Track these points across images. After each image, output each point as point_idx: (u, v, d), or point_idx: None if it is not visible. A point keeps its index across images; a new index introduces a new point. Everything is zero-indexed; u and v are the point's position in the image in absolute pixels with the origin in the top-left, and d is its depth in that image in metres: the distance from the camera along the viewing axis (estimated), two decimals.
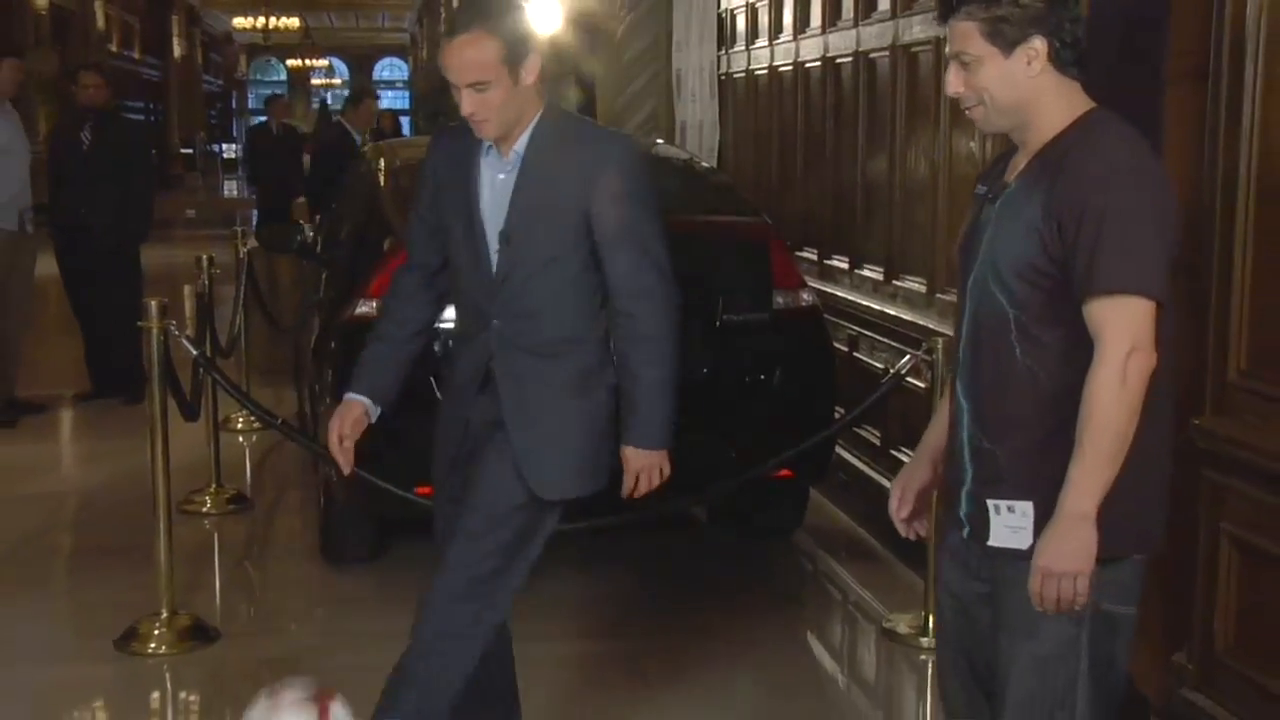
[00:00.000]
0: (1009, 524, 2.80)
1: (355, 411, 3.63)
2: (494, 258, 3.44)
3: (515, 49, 3.27)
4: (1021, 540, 2.78)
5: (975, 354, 2.87)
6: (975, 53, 2.78)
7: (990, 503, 2.82)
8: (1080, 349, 2.70)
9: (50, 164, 9.33)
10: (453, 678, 3.50)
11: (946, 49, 2.86)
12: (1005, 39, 2.76)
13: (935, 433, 3.10)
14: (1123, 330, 2.65)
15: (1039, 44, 2.75)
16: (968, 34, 2.79)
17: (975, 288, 2.85)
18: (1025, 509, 2.78)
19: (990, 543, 2.83)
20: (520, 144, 3.40)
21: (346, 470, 3.64)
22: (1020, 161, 2.84)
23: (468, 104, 3.29)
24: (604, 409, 3.53)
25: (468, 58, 3.25)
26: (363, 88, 11.61)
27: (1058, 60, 2.77)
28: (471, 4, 3.34)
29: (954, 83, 2.84)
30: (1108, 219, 2.64)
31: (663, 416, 3.51)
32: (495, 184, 3.44)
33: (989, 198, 2.88)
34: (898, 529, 3.16)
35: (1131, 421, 2.66)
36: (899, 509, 3.14)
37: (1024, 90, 2.78)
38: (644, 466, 3.52)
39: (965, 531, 2.91)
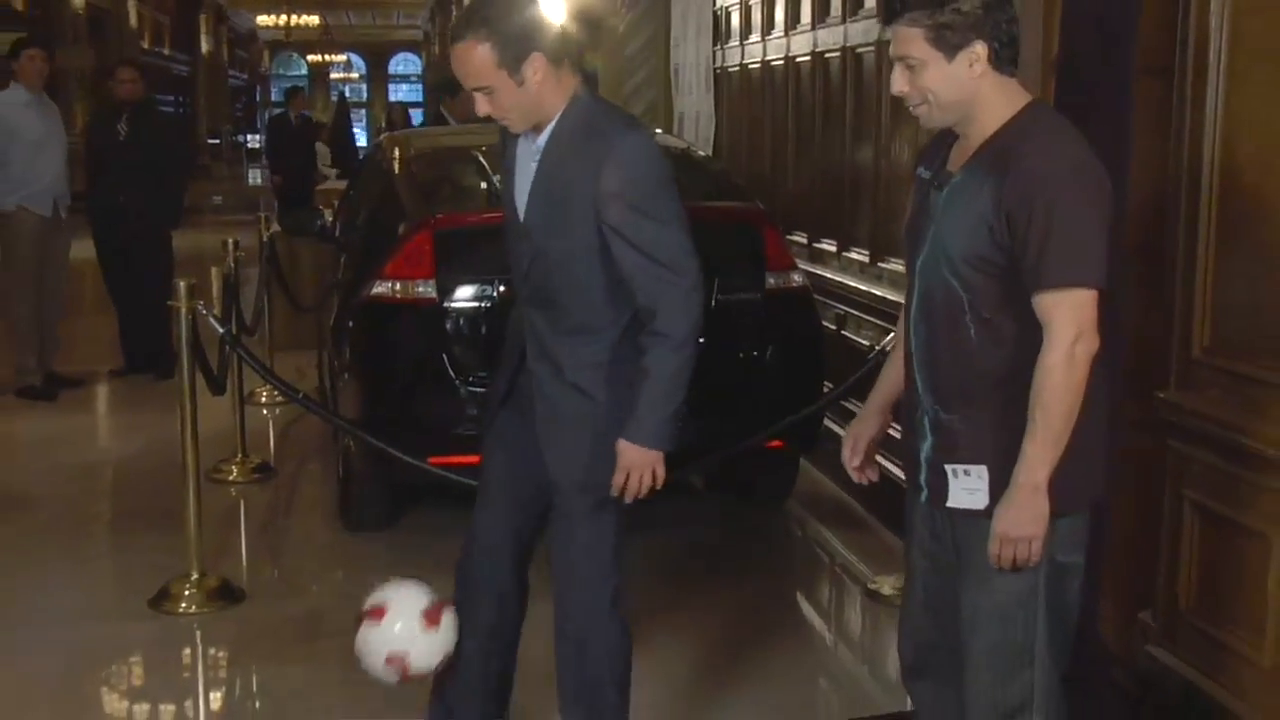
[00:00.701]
0: (966, 486, 2.85)
1: None
2: (523, 244, 3.36)
3: (509, 52, 3.13)
4: (978, 501, 2.83)
5: (930, 331, 2.89)
6: (919, 56, 2.78)
7: (948, 467, 2.87)
8: (1030, 330, 2.74)
9: (88, 153, 9.40)
10: (624, 649, 3.47)
11: (891, 50, 2.84)
12: (948, 44, 2.75)
13: (882, 389, 3.17)
14: (1070, 319, 2.69)
15: (980, 48, 2.75)
16: (911, 39, 2.78)
17: (925, 269, 2.87)
18: (980, 472, 2.83)
19: (949, 504, 2.88)
20: (544, 136, 3.27)
21: None
22: (966, 150, 2.84)
23: (480, 105, 3.22)
24: (621, 401, 3.28)
25: (465, 65, 3.16)
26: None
27: (997, 60, 2.77)
28: (466, 12, 3.23)
29: (899, 83, 2.84)
30: (1055, 216, 2.66)
31: (661, 416, 3.24)
32: (527, 172, 3.33)
33: (935, 185, 2.89)
34: (850, 476, 3.21)
35: (1078, 400, 2.72)
36: (851, 458, 3.19)
37: (967, 90, 2.78)
38: (634, 464, 3.25)
39: (924, 495, 2.95)
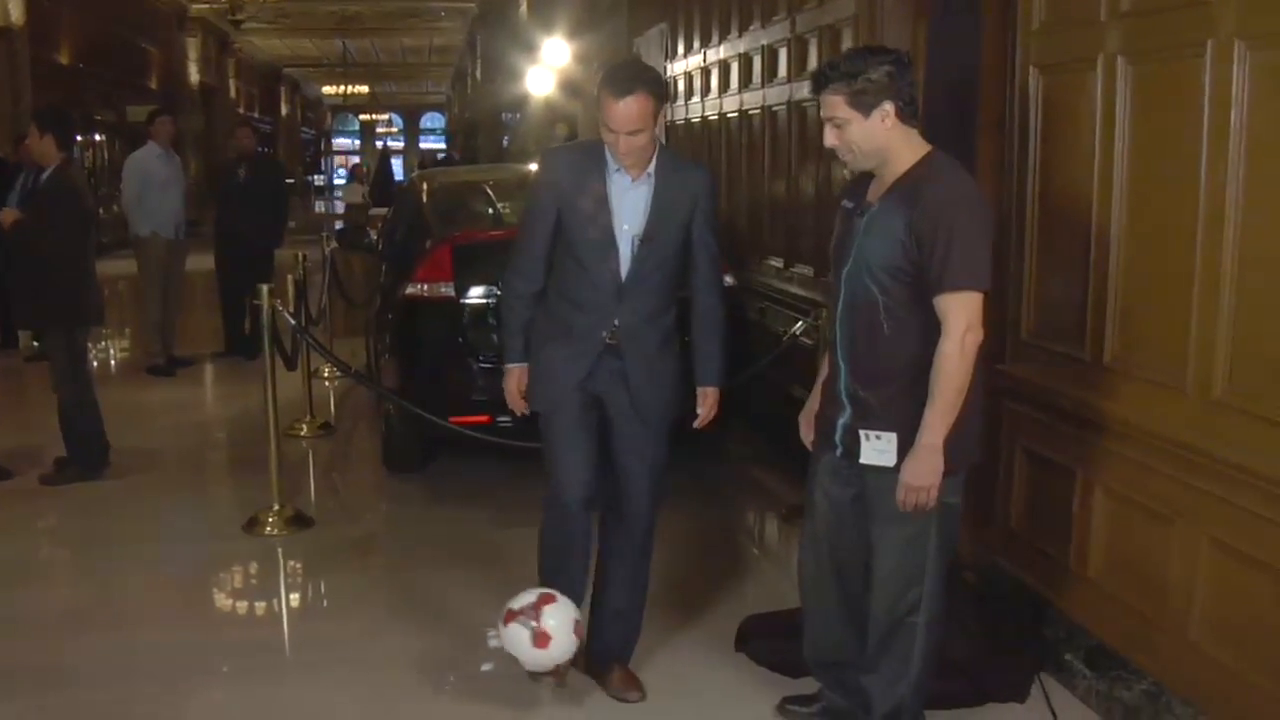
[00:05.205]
0: (877, 448, 2.83)
1: (518, 374, 3.44)
2: (625, 254, 3.25)
3: (660, 104, 3.14)
4: (888, 460, 2.82)
5: (851, 328, 2.87)
6: (843, 116, 2.77)
7: (863, 432, 2.85)
8: (931, 325, 2.73)
9: (215, 190, 9.57)
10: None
11: (821, 113, 2.84)
12: (864, 105, 2.74)
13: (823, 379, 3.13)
14: (962, 315, 2.69)
15: (888, 106, 2.74)
16: (835, 104, 2.77)
17: (849, 279, 2.86)
18: (890, 438, 2.81)
19: (862, 461, 2.86)
20: (651, 168, 3.24)
21: (521, 412, 3.47)
22: (882, 186, 2.83)
23: (623, 145, 3.14)
24: (679, 360, 3.44)
25: (633, 112, 3.09)
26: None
27: (902, 115, 2.77)
28: (635, 73, 3.17)
29: (830, 138, 2.83)
30: (953, 236, 2.67)
31: (725, 362, 3.50)
32: (626, 198, 3.25)
33: (857, 213, 2.87)
34: (807, 446, 3.17)
35: (967, 380, 2.71)
36: (806, 433, 3.17)
37: (881, 141, 2.77)
38: (715, 399, 3.48)
39: (839, 452, 2.93)
